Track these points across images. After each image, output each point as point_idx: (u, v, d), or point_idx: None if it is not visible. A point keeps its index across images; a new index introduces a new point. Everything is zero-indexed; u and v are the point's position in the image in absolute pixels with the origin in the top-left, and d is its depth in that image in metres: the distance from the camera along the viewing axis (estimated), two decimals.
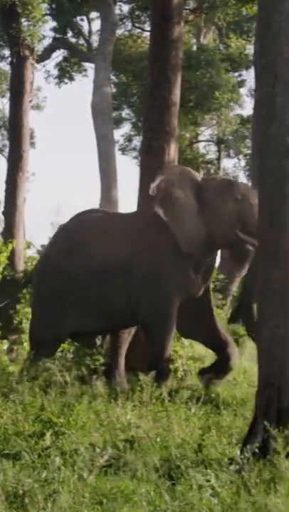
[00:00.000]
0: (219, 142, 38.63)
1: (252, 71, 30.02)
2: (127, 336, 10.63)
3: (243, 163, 42.35)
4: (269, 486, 5.96)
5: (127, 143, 33.10)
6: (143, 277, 10.02)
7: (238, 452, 6.54)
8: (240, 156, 41.76)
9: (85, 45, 25.58)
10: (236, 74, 35.14)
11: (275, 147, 7.01)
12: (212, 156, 40.00)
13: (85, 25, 25.43)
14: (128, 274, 10.04)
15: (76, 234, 10.46)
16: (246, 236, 10.03)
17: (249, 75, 36.32)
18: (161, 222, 10.00)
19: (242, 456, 6.34)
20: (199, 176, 10.51)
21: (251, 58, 29.29)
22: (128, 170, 53.09)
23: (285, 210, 6.95)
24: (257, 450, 6.52)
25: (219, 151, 39.65)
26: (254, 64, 7.62)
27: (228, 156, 41.70)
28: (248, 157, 39.07)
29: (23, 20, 16.22)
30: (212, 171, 39.67)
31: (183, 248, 10.00)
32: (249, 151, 37.21)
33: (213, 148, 40.15)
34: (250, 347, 12.60)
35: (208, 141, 39.14)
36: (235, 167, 43.30)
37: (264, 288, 7.10)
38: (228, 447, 7.08)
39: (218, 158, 39.78)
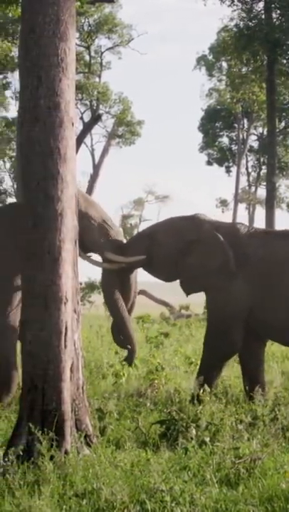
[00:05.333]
0: None
1: (17, 73, 29.86)
2: None
3: (8, 165, 42.26)
4: (33, 488, 5.97)
5: None
6: None
7: (2, 455, 6.48)
8: (6, 159, 41.66)
9: None
10: (1, 76, 35.01)
11: (39, 149, 7.03)
12: None
13: None
14: None
15: None
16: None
17: (14, 78, 36.33)
18: None
19: (6, 459, 6.29)
20: None
21: (17, 60, 29.21)
22: None
23: (48, 212, 6.98)
24: (21, 452, 6.51)
25: None
26: (18, 66, 7.58)
27: None
28: (13, 159, 39.02)
29: None
30: None
31: None
32: (14, 154, 37.19)
33: None
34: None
35: None
36: (0, 169, 43.12)
37: (28, 290, 7.08)
38: None
39: None
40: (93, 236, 10.00)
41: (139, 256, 10.02)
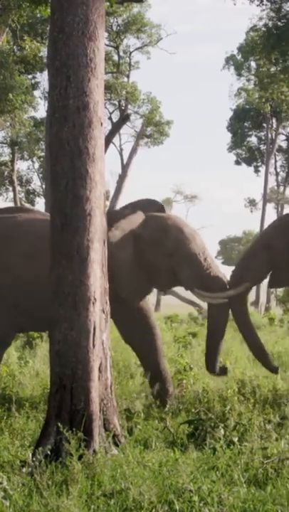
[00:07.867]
0: (13, 144, 38.44)
1: (46, 73, 30.04)
2: None
3: (37, 165, 42.46)
4: (61, 488, 5.98)
5: None
6: None
7: (30, 455, 6.50)
8: (35, 159, 41.83)
9: None
10: (30, 76, 35.17)
11: (68, 149, 7.04)
12: (6, 158, 39.76)
13: None
14: None
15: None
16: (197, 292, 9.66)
17: (43, 78, 36.51)
18: None
19: (34, 459, 6.31)
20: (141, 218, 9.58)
21: (46, 60, 29.32)
22: None
23: (77, 212, 6.99)
24: (49, 452, 6.52)
25: (13, 153, 39.47)
26: (47, 66, 7.60)
27: (22, 158, 41.63)
28: (42, 159, 39.18)
29: None
30: (6, 173, 39.42)
31: (122, 294, 9.24)
32: (43, 154, 37.35)
33: (7, 150, 39.95)
34: (44, 349, 12.59)
35: (2, 143, 38.87)
36: (29, 169, 43.35)
37: (57, 290, 7.08)
38: (20, 450, 7.03)
39: (12, 161, 39.58)
40: (186, 272, 9.61)
41: (242, 285, 9.61)
